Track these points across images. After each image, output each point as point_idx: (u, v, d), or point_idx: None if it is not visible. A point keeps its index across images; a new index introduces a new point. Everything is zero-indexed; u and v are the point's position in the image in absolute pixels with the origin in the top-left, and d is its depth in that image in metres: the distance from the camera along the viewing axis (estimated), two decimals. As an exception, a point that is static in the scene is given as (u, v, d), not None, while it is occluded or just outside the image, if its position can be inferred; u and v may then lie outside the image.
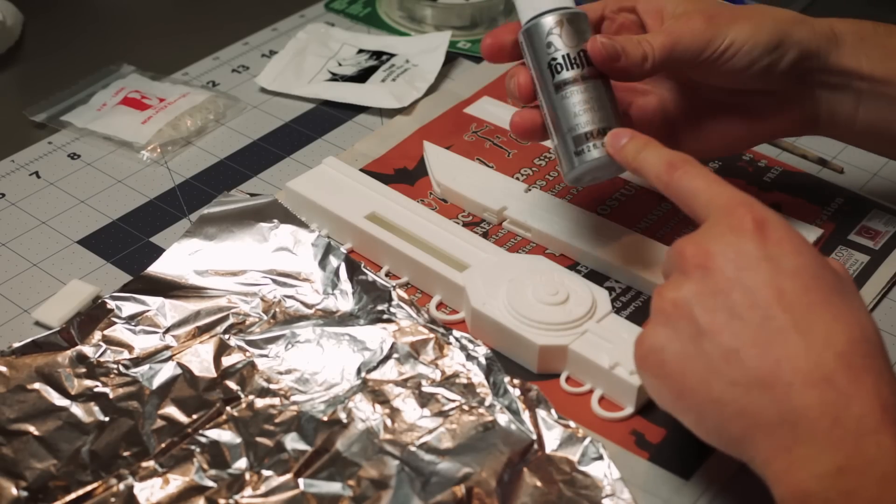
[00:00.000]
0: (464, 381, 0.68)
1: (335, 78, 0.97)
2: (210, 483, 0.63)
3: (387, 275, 0.77)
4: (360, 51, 1.00)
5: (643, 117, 0.74)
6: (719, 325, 0.56)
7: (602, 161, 0.69)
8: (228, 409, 0.67)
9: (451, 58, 1.00)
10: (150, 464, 0.64)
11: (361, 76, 0.97)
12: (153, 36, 1.06)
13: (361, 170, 0.85)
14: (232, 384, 0.68)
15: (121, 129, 0.90)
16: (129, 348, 0.71)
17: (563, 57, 0.70)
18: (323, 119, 0.94)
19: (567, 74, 0.70)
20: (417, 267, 0.76)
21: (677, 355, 0.57)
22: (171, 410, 0.67)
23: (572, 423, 0.66)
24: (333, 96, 0.95)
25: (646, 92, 0.75)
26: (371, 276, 0.74)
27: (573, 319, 0.70)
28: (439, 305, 0.75)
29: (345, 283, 0.75)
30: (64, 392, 0.68)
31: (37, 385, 0.68)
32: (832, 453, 0.53)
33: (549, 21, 0.70)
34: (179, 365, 0.69)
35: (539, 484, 0.63)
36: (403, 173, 0.86)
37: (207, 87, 0.97)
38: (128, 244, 0.81)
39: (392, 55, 0.99)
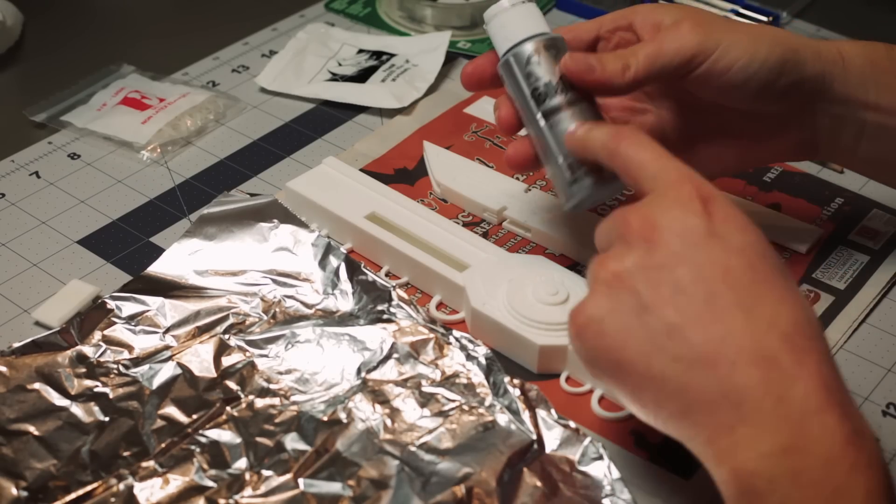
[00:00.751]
0: (464, 381, 0.68)
1: (335, 78, 0.97)
2: (210, 483, 0.63)
3: (387, 275, 0.77)
4: (360, 51, 1.00)
5: None
6: (663, 300, 0.55)
7: (600, 185, 0.68)
8: (228, 409, 0.67)
9: (451, 58, 1.00)
10: (150, 464, 0.64)
11: (361, 76, 0.97)
12: (153, 36, 1.06)
13: (361, 170, 0.85)
14: (232, 384, 0.68)
15: (121, 129, 0.90)
16: (129, 348, 0.71)
17: (544, 85, 0.68)
18: (323, 119, 0.94)
19: (552, 102, 0.68)
20: (417, 267, 0.76)
21: (618, 328, 0.56)
22: (171, 410, 0.67)
23: (572, 423, 0.66)
24: (333, 96, 0.95)
25: (643, 111, 0.74)
26: (371, 276, 0.74)
27: (573, 319, 0.70)
28: (439, 305, 0.75)
29: (345, 283, 0.75)
30: (64, 392, 0.68)
31: (37, 385, 0.68)
32: (776, 433, 0.52)
33: (526, 50, 0.69)
34: (179, 365, 0.69)
35: (539, 484, 0.63)
36: (403, 173, 0.86)
37: (207, 87, 0.97)
38: (128, 244, 0.81)
39: (392, 55, 0.99)
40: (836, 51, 0.71)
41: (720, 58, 0.68)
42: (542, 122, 0.68)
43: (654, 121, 0.74)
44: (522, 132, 0.71)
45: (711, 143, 0.74)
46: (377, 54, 0.99)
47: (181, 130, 0.91)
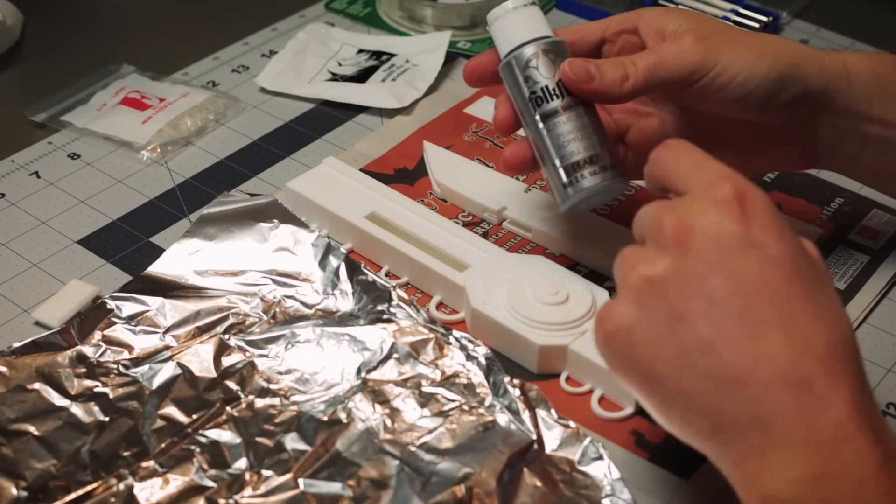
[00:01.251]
0: (464, 381, 0.68)
1: (335, 78, 0.97)
2: (210, 483, 0.63)
3: (387, 275, 0.77)
4: (360, 51, 1.00)
5: (642, 139, 0.73)
6: (697, 312, 0.53)
7: (596, 188, 0.68)
8: (228, 409, 0.67)
9: (451, 58, 1.00)
10: (150, 464, 0.64)
11: (361, 76, 0.97)
12: (153, 36, 1.06)
13: (361, 170, 0.85)
14: (232, 384, 0.68)
15: (121, 129, 0.90)
16: (129, 348, 0.71)
17: (542, 89, 0.68)
18: (323, 119, 0.94)
19: (550, 106, 0.68)
20: (417, 267, 0.76)
21: (648, 338, 0.54)
22: (171, 410, 0.67)
23: (572, 423, 0.66)
24: (333, 96, 0.95)
25: (647, 114, 0.74)
26: (371, 276, 0.74)
27: (573, 319, 0.70)
28: (439, 305, 0.75)
29: (345, 283, 0.75)
30: (64, 392, 0.68)
31: (37, 385, 0.68)
32: (807, 459, 0.51)
33: (526, 53, 0.69)
34: (179, 365, 0.69)
35: (539, 484, 0.63)
36: (403, 173, 0.86)
37: (207, 87, 0.97)
38: (128, 244, 0.81)
39: (392, 55, 0.99)
40: (842, 63, 0.70)
41: (719, 73, 0.68)
42: (539, 125, 0.69)
43: (657, 125, 0.73)
44: (520, 133, 0.71)
45: (713, 149, 0.72)
46: (377, 54, 0.99)
47: (181, 130, 0.91)
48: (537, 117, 0.69)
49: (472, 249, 0.76)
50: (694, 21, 0.70)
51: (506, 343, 0.71)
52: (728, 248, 0.53)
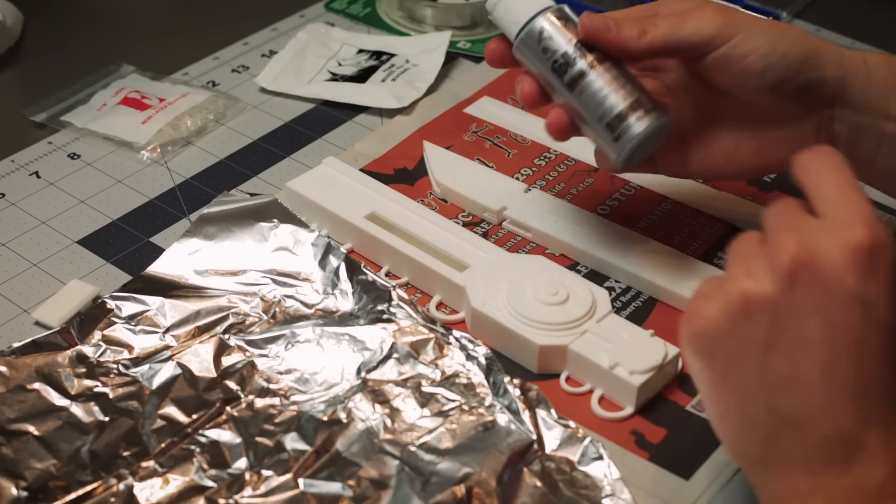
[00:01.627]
0: (464, 381, 0.68)
1: (335, 78, 0.97)
2: (210, 483, 0.63)
3: (387, 275, 0.77)
4: (360, 51, 1.00)
5: None
6: (784, 348, 0.53)
7: (648, 131, 0.68)
8: (228, 408, 0.67)
9: (451, 58, 1.00)
10: (150, 464, 0.64)
11: (361, 76, 0.97)
12: (153, 36, 1.06)
13: (361, 170, 0.85)
14: (232, 384, 0.68)
15: (121, 129, 0.90)
16: (129, 348, 0.71)
17: (563, 55, 0.69)
18: (323, 119, 0.94)
19: (576, 69, 0.68)
20: (417, 267, 0.76)
21: (729, 353, 0.54)
22: (171, 410, 0.67)
23: (572, 423, 0.66)
24: (333, 96, 0.95)
25: (663, 98, 0.73)
26: (371, 275, 0.74)
27: (573, 319, 0.70)
28: (439, 305, 0.75)
29: (345, 283, 0.75)
30: (64, 392, 0.68)
31: (37, 385, 0.68)
32: None
33: (536, 27, 0.69)
34: (179, 365, 0.69)
35: (539, 484, 0.63)
36: (403, 173, 0.86)
37: (207, 87, 0.97)
38: (128, 244, 0.81)
39: (392, 55, 0.99)
40: (861, 59, 0.70)
41: (740, 43, 0.68)
42: (570, 92, 0.69)
43: (672, 114, 0.73)
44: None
45: (727, 140, 0.73)
46: (377, 54, 0.99)
47: (181, 130, 0.91)
48: (566, 84, 0.69)
49: (472, 249, 0.76)
50: (714, 3, 0.70)
51: (506, 343, 0.71)
52: (837, 298, 0.52)
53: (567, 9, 0.70)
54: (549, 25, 0.69)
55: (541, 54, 0.69)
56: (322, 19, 1.06)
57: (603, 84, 0.68)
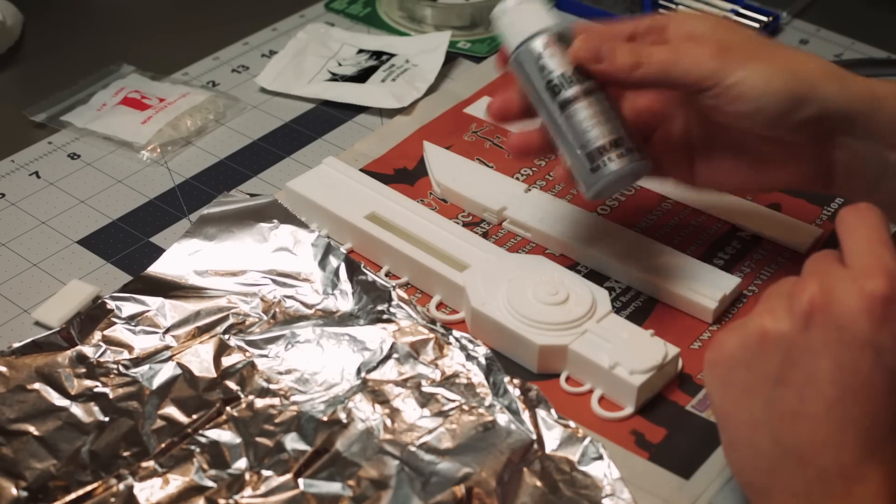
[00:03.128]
0: (464, 381, 0.68)
1: (335, 78, 0.97)
2: (210, 483, 0.63)
3: (387, 275, 0.77)
4: (360, 51, 1.00)
5: (665, 142, 0.73)
6: (794, 383, 0.55)
7: (622, 171, 0.68)
8: (228, 409, 0.67)
9: (451, 58, 1.00)
10: (150, 464, 0.64)
11: (361, 76, 0.97)
12: (153, 36, 1.06)
13: (361, 170, 0.85)
14: (232, 384, 0.69)
15: (121, 129, 0.90)
16: (129, 348, 0.71)
17: (559, 77, 0.68)
18: (323, 119, 0.94)
19: (567, 93, 0.68)
20: (417, 267, 0.76)
21: (743, 384, 0.57)
22: (171, 410, 0.67)
23: (572, 423, 0.66)
24: (333, 96, 0.95)
25: (671, 117, 0.73)
26: (371, 276, 0.74)
27: (573, 319, 0.70)
28: (439, 305, 0.75)
29: (345, 283, 0.75)
30: (64, 392, 0.68)
31: (37, 385, 0.68)
32: None
33: (538, 44, 0.69)
34: (179, 365, 0.69)
35: (539, 484, 0.63)
36: (403, 173, 0.86)
37: (207, 87, 0.97)
38: (128, 244, 0.81)
39: (392, 55, 0.99)
40: (867, 88, 0.68)
41: (732, 86, 0.67)
42: (558, 114, 0.69)
43: (679, 128, 0.73)
44: (514, 128, 0.71)
45: (727, 158, 0.72)
46: (377, 54, 0.99)
47: (181, 130, 0.91)
48: (555, 106, 0.69)
49: (472, 249, 0.76)
50: (723, 30, 0.69)
51: (506, 343, 0.71)
52: (849, 341, 0.54)
53: (572, 32, 0.69)
54: (552, 45, 0.69)
55: (538, 71, 0.69)
56: (322, 19, 1.06)
57: (591, 114, 0.68)
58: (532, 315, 0.71)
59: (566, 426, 0.65)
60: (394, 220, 0.79)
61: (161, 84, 0.95)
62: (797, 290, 0.56)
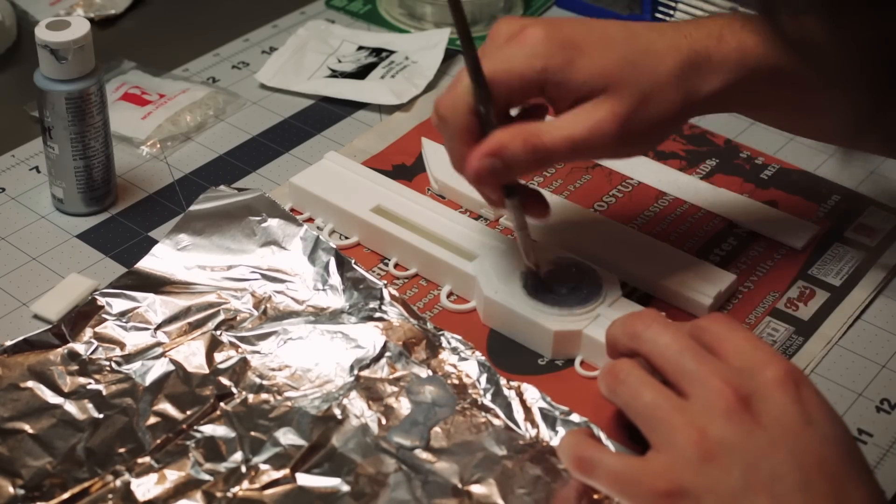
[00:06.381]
0: (455, 381, 0.68)
1: (335, 74, 0.97)
2: (206, 477, 0.63)
3: (395, 266, 0.77)
4: (360, 47, 1.00)
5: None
6: (761, 484, 0.56)
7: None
8: (222, 404, 0.67)
9: (451, 55, 1.00)
10: (146, 460, 0.64)
11: (361, 73, 0.97)
12: (154, 32, 1.06)
13: (360, 166, 0.85)
14: (225, 380, 0.69)
15: (121, 125, 0.90)
16: (121, 345, 0.70)
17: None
18: (322, 115, 0.94)
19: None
20: (426, 258, 0.76)
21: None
22: (165, 406, 0.67)
23: (572, 418, 0.65)
24: (333, 93, 0.95)
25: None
26: (361, 272, 0.74)
27: (586, 304, 0.72)
28: (449, 295, 0.76)
29: (335, 279, 0.74)
30: (57, 390, 0.68)
31: (30, 383, 0.68)
32: None
33: None
34: (172, 361, 0.69)
35: (540, 473, 0.63)
36: (401, 169, 0.87)
37: (207, 84, 0.97)
38: (127, 238, 0.81)
39: (391, 52, 0.99)
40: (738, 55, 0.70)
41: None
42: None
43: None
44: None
45: None
46: (377, 51, 1.00)
47: (181, 126, 0.91)
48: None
49: (481, 238, 0.77)
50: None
51: (519, 329, 0.72)
52: (791, 428, 0.57)
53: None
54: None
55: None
56: (322, 16, 1.07)
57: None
58: (545, 301, 0.71)
59: (566, 422, 0.65)
60: (400, 212, 0.79)
61: (161, 80, 0.95)
62: (715, 397, 0.58)
